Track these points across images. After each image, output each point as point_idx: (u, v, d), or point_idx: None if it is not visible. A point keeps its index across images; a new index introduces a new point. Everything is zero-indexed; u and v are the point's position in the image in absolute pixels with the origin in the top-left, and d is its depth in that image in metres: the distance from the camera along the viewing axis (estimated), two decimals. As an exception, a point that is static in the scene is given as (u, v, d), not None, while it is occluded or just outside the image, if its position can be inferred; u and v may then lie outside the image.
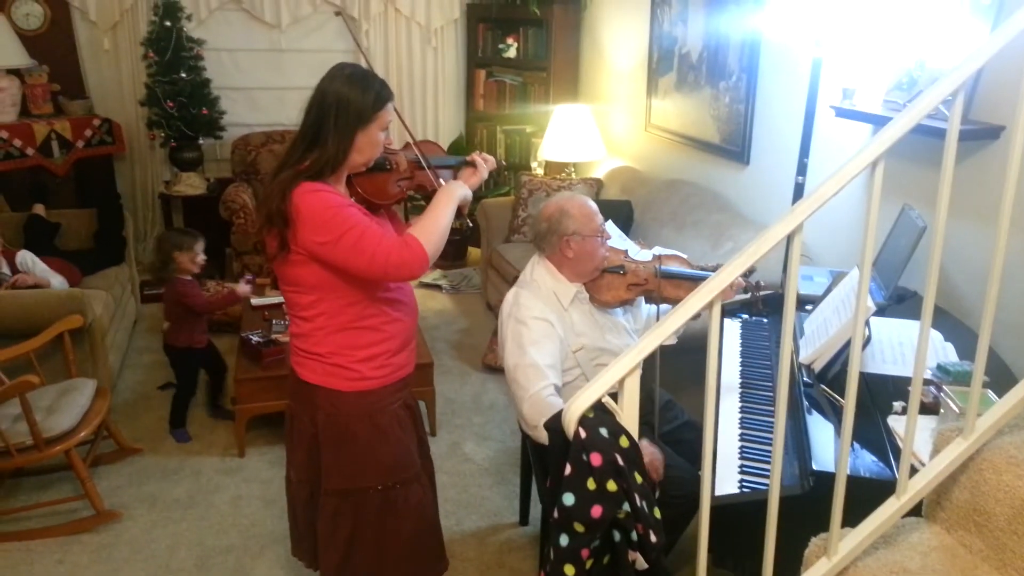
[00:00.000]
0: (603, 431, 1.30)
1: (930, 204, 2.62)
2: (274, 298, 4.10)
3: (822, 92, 2.97)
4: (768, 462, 1.99)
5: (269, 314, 3.91)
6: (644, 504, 1.34)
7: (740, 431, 2.16)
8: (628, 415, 1.34)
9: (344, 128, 1.93)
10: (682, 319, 1.31)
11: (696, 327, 2.76)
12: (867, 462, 1.80)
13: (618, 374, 1.30)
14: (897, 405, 1.99)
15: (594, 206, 2.51)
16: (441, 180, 2.24)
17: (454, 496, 3.17)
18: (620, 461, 1.30)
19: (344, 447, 2.08)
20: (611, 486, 1.28)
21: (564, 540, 1.31)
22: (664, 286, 2.56)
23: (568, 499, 1.30)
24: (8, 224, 4.38)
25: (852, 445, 1.76)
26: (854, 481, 1.65)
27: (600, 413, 1.32)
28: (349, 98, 1.92)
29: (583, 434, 1.29)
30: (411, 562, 2.21)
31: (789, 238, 1.29)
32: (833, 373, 2.17)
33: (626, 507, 1.32)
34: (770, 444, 2.06)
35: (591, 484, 1.29)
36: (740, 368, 2.51)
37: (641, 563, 1.38)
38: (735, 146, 3.92)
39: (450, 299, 5.33)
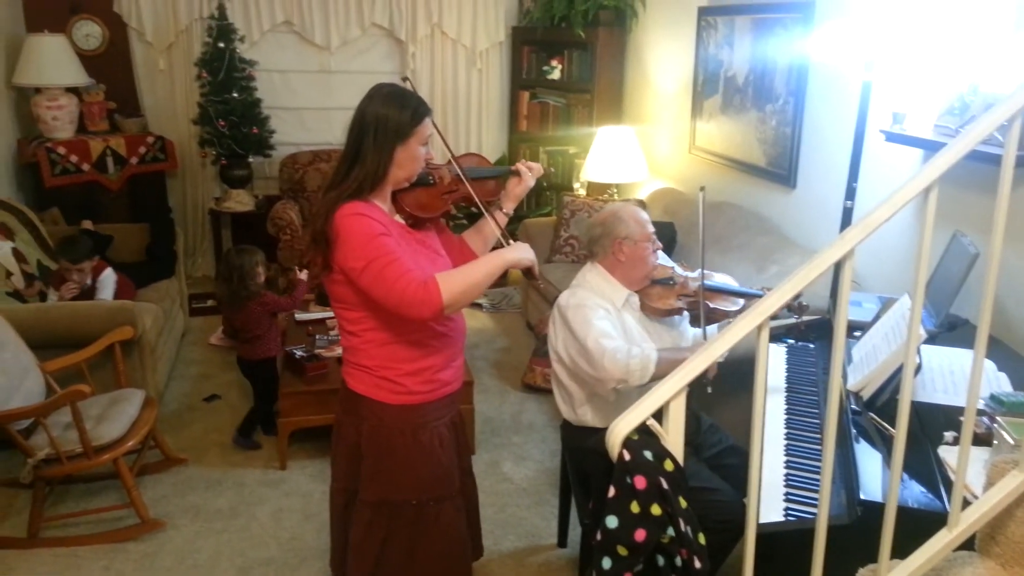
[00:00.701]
0: (647, 454, 1.29)
1: (982, 231, 2.58)
2: (317, 313, 4.15)
3: (872, 116, 2.94)
4: (814, 490, 1.96)
5: (313, 329, 3.96)
6: (689, 529, 1.33)
7: (785, 458, 2.13)
8: (673, 438, 1.32)
9: (383, 144, 1.97)
10: (729, 342, 1.30)
11: (738, 345, 2.74)
12: (915, 493, 1.76)
13: (663, 396, 1.29)
14: (948, 435, 1.94)
15: (646, 215, 2.57)
16: (492, 205, 2.26)
17: (492, 515, 3.16)
18: (665, 485, 1.29)
19: (384, 459, 2.11)
20: (655, 510, 1.27)
21: (607, 563, 1.30)
22: (711, 297, 2.57)
23: (611, 522, 1.29)
24: (55, 237, 4.46)
25: (901, 475, 1.73)
26: (902, 512, 1.61)
27: (644, 435, 1.32)
28: (387, 115, 1.96)
29: (627, 456, 1.29)
30: None
31: (840, 264, 1.27)
32: (882, 401, 2.13)
33: (670, 532, 1.31)
34: (816, 472, 2.04)
35: (635, 507, 1.28)
36: (785, 394, 2.47)
37: (686, 589, 1.37)
38: (781, 169, 3.89)
39: (490, 317, 5.34)
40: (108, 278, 3.95)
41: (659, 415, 1.33)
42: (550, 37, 5.70)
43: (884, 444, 1.99)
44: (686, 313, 2.65)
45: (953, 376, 2.26)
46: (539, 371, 4.22)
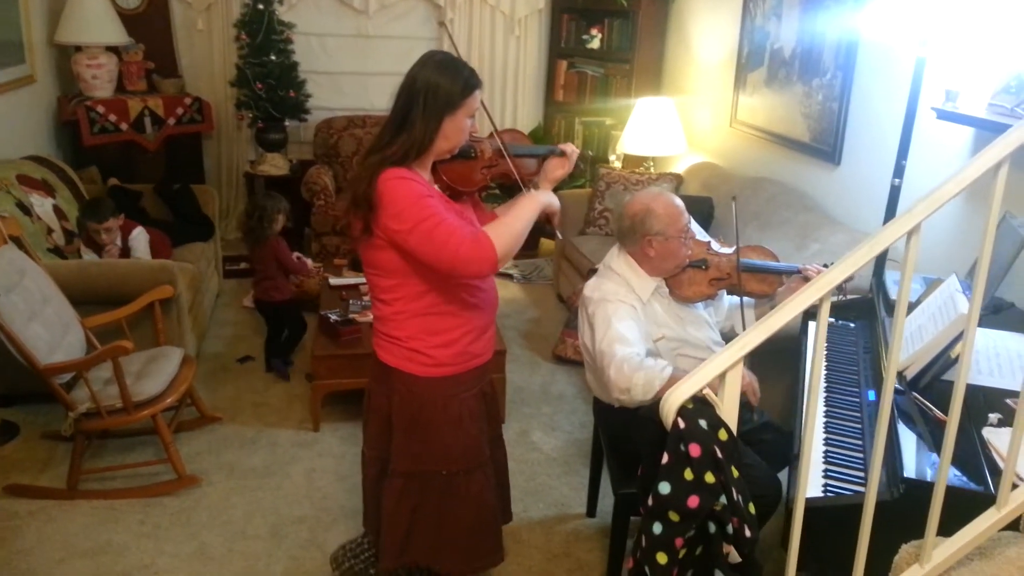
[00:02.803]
0: (702, 423, 1.29)
1: (1038, 211, 2.51)
2: (351, 279, 4.17)
3: (923, 93, 2.87)
4: (852, 467, 1.95)
5: (346, 294, 3.98)
6: (740, 498, 1.32)
7: (824, 435, 2.11)
8: (728, 409, 1.32)
9: (432, 113, 1.94)
10: (787, 316, 1.29)
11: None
12: (955, 473, 1.75)
13: (720, 367, 1.28)
14: (992, 417, 1.92)
15: (680, 204, 2.48)
16: (529, 183, 2.24)
17: (521, 484, 3.18)
18: (719, 454, 1.29)
19: (415, 430, 2.11)
20: (709, 478, 1.27)
21: (658, 528, 1.30)
22: (747, 280, 2.53)
23: (664, 488, 1.29)
24: (92, 195, 4.48)
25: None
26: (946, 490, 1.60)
27: (700, 405, 1.31)
28: (438, 84, 1.93)
29: (682, 424, 1.28)
30: (468, 549, 2.22)
31: (907, 237, 1.25)
32: (926, 381, 2.10)
33: (723, 500, 1.31)
34: (855, 449, 2.03)
35: (688, 474, 1.27)
36: (825, 372, 2.45)
37: (735, 556, 1.37)
38: (826, 145, 3.83)
39: (521, 289, 5.34)
40: (139, 236, 3.97)
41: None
42: (590, 5, 5.62)
43: (926, 424, 1.97)
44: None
45: (999, 359, 2.23)
46: (570, 343, 4.22)
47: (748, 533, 1.33)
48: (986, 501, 1.59)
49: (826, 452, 2.04)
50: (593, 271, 4.30)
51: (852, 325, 2.76)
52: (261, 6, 5.10)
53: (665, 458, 1.29)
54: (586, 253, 4.57)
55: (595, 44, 5.65)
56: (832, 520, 1.79)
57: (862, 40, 3.57)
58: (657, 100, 5.10)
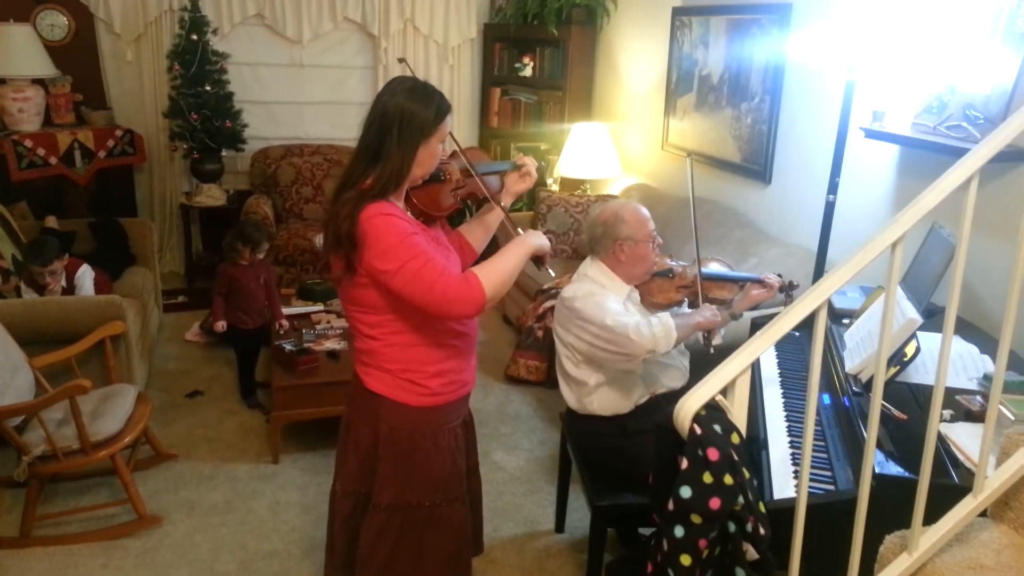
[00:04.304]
0: (716, 427, 1.38)
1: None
2: (301, 308, 4.16)
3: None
4: (818, 467, 2.08)
5: (299, 324, 3.96)
6: (753, 498, 1.42)
7: (788, 438, 2.24)
8: (738, 413, 1.42)
9: (407, 142, 1.90)
10: (789, 325, 1.39)
11: (732, 333, 2.85)
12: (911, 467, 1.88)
13: (730, 375, 1.38)
14: (946, 413, 2.07)
15: (646, 213, 2.64)
16: (495, 200, 2.29)
17: (489, 504, 3.21)
18: (734, 456, 1.38)
19: (402, 461, 2.08)
20: (727, 480, 1.36)
21: (680, 531, 1.38)
22: (708, 287, 2.68)
23: (685, 492, 1.37)
24: (27, 233, 4.36)
25: (903, 451, 1.87)
26: (908, 483, 1.73)
27: (711, 411, 1.40)
28: (412, 111, 1.89)
29: (698, 430, 1.37)
30: None
31: (892, 248, 1.38)
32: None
33: (741, 500, 1.40)
34: (818, 450, 2.16)
35: (707, 477, 1.36)
36: (779, 379, 2.60)
37: (752, 553, 1.46)
38: (757, 165, 4.03)
39: (466, 312, 5.38)
40: (84, 275, 3.87)
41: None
42: (522, 34, 5.77)
43: (884, 424, 2.11)
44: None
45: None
46: (522, 363, 4.29)
47: (763, 531, 1.42)
48: (948, 490, 1.73)
49: (792, 454, 2.17)
50: (541, 291, 4.40)
51: (797, 334, 2.92)
52: (195, 36, 5.05)
53: (684, 464, 1.38)
54: (531, 274, 4.65)
55: (527, 72, 5.79)
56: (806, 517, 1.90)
57: (788, 65, 3.80)
58: (591, 125, 5.26)
